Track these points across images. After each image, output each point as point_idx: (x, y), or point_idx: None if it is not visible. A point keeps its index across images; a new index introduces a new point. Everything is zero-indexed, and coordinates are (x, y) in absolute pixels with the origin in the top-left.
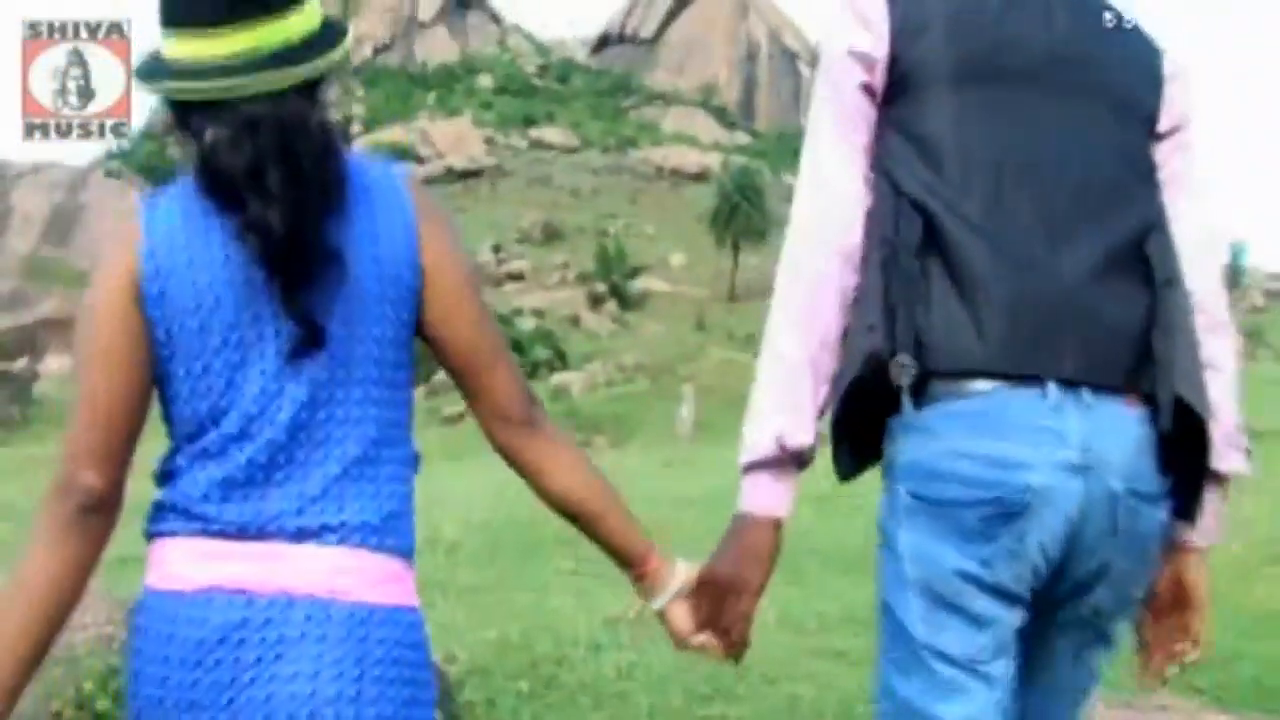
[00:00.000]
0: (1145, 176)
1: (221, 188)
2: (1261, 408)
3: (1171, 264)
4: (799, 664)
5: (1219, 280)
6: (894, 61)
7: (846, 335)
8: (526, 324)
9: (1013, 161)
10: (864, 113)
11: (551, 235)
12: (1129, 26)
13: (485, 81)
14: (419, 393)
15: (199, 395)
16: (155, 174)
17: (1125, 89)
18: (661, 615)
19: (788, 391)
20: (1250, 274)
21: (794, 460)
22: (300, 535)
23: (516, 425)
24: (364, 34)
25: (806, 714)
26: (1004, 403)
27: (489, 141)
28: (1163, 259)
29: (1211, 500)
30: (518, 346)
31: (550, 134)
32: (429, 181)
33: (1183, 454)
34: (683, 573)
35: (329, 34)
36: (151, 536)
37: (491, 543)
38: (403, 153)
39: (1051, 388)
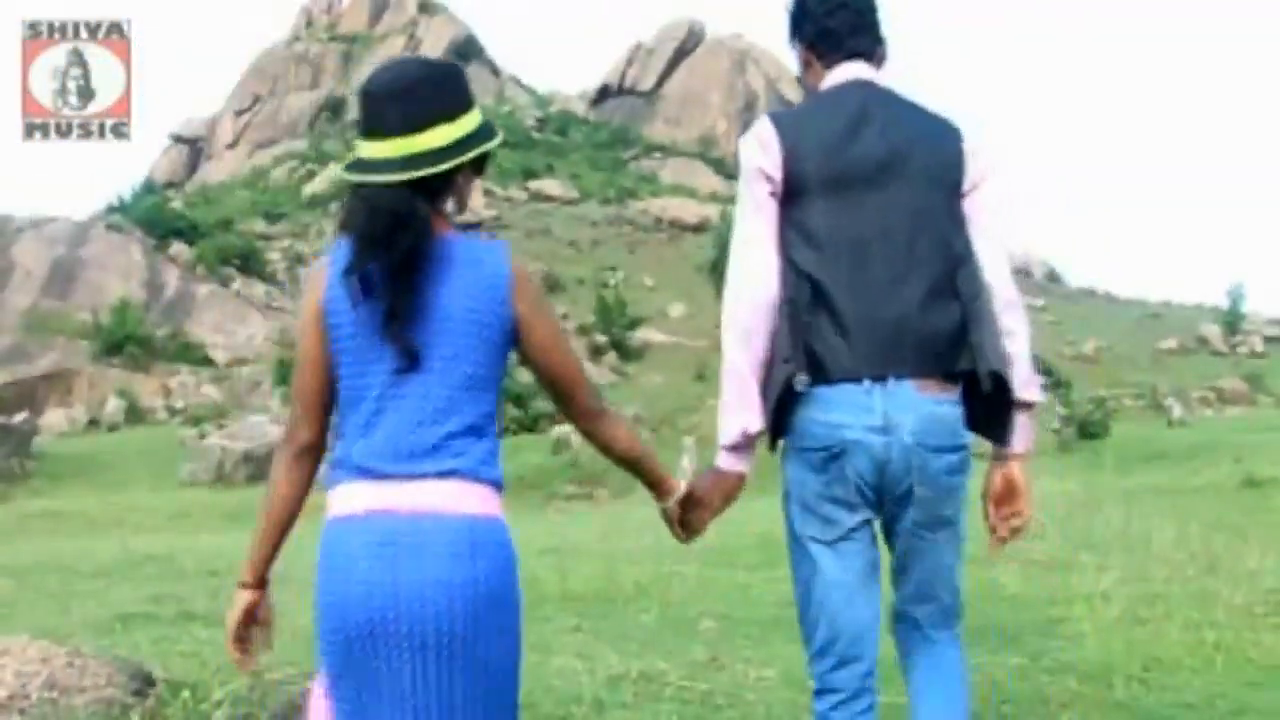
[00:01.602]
0: (958, 226)
1: (348, 243)
2: (1263, 454)
3: (975, 284)
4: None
5: (1009, 277)
6: (786, 177)
7: (771, 360)
8: (527, 376)
9: (864, 238)
10: (770, 208)
11: (551, 287)
12: (937, 124)
13: None
14: None
15: (347, 387)
16: (156, 227)
17: (938, 170)
18: (663, 511)
19: (744, 395)
20: (1250, 318)
21: (751, 442)
22: (423, 476)
23: (592, 418)
24: None
25: None
26: (839, 391)
27: (488, 193)
28: (968, 283)
29: (1022, 422)
30: (519, 399)
31: (549, 186)
32: None
33: (998, 402)
34: (681, 490)
35: (459, 147)
36: (331, 484)
37: None
38: None
39: (866, 381)
